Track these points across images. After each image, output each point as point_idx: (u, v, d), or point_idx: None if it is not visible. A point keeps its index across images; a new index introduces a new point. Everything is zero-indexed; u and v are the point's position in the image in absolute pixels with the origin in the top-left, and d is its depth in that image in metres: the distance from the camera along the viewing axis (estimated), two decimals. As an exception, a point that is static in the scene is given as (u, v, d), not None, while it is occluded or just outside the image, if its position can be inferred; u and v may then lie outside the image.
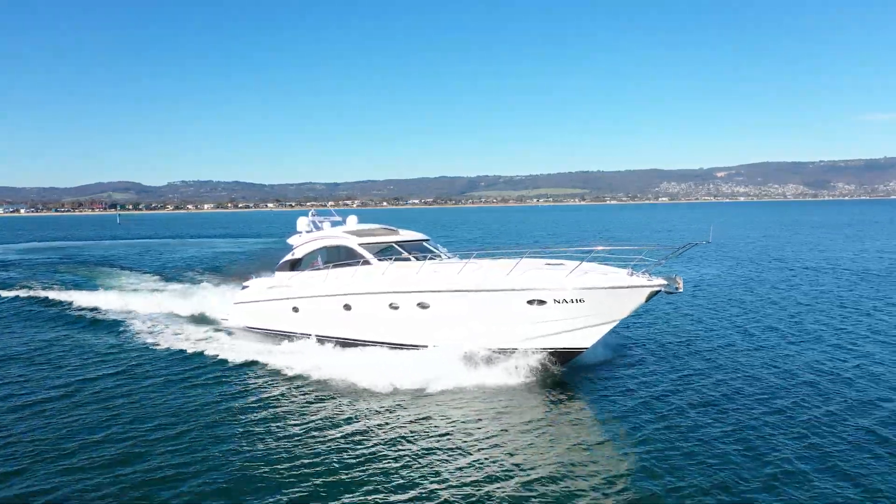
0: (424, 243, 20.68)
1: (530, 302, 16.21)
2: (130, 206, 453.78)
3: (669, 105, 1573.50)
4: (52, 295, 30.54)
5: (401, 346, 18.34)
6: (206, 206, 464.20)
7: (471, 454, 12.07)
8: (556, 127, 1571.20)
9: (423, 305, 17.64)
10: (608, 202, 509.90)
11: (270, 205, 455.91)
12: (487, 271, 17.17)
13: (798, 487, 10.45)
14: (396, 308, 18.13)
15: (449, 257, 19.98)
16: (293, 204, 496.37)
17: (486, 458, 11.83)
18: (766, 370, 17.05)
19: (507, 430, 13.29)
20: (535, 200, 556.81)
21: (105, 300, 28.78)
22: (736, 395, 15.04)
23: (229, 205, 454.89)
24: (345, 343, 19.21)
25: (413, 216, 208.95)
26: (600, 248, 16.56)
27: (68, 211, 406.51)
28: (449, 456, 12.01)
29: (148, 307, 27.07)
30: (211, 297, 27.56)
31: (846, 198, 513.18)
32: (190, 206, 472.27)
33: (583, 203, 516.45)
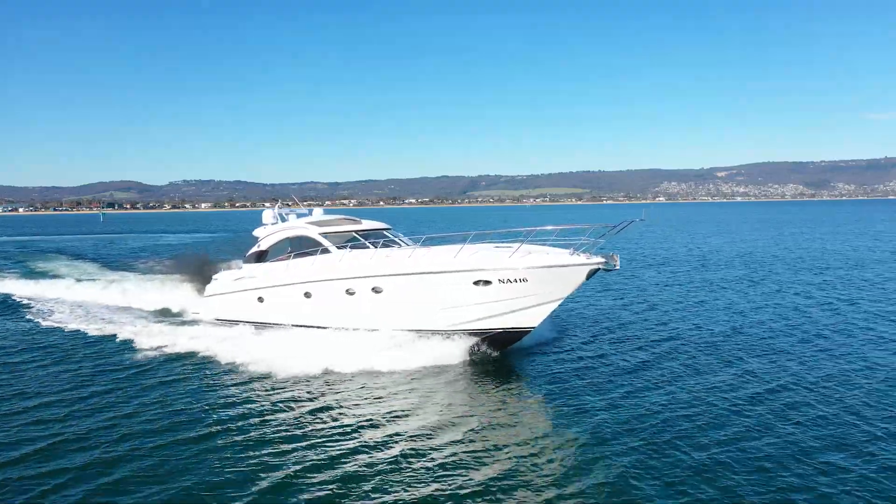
0: (385, 232, 21.10)
1: (476, 283, 16.68)
2: (128, 206, 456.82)
3: (671, 104, 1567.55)
4: None
5: (358, 330, 18.69)
6: (203, 206, 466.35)
7: (407, 435, 12.17)
8: (557, 127, 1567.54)
9: (376, 290, 18.17)
10: (605, 202, 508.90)
11: (267, 204, 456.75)
12: (436, 254, 17.73)
13: (747, 463, 10.81)
14: (353, 294, 18.69)
15: (408, 245, 20.14)
16: (290, 203, 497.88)
17: (422, 442, 11.85)
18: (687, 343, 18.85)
19: (448, 412, 13.48)
20: (531, 200, 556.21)
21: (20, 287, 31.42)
22: (655, 371, 16.15)
23: (227, 204, 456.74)
24: (314, 329, 19.56)
25: (407, 215, 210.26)
26: (548, 227, 16.98)
27: (66, 210, 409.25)
28: (390, 439, 12.06)
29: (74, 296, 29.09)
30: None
31: (844, 198, 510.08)
32: (187, 206, 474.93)
33: (579, 203, 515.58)
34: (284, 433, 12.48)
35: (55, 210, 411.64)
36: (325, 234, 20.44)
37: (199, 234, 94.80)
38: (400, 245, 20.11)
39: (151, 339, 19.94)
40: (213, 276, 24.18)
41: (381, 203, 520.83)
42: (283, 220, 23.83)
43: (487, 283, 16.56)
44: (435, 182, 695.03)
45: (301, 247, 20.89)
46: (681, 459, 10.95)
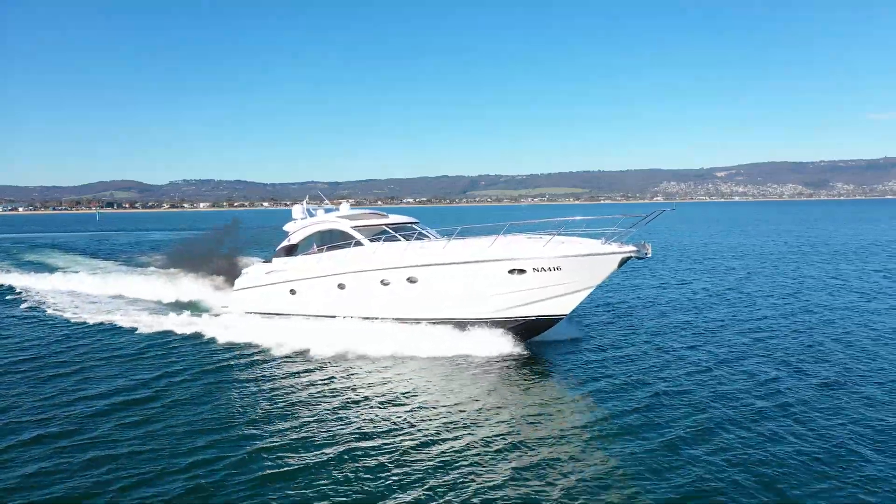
0: (414, 225, 21.66)
1: (511, 271, 17.22)
2: (127, 205, 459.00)
3: (671, 104, 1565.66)
4: None
5: (392, 320, 19.32)
6: (201, 205, 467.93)
7: (441, 424, 12.48)
8: (556, 126, 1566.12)
9: (411, 280, 18.66)
10: (602, 202, 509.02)
11: (266, 203, 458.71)
12: (471, 245, 18.21)
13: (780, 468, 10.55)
14: (387, 284, 19.17)
15: (437, 238, 20.69)
16: (288, 203, 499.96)
17: (450, 429, 12.13)
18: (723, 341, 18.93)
19: (480, 401, 13.79)
20: (528, 200, 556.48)
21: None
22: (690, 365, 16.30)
23: (225, 203, 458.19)
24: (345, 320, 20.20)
25: (405, 214, 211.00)
26: (577, 217, 17.51)
27: (65, 209, 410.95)
28: (429, 426, 12.40)
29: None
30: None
31: (842, 197, 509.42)
32: (185, 205, 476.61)
33: (576, 203, 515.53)
34: (309, 418, 12.93)
35: (54, 209, 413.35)
36: (357, 228, 20.76)
37: (186, 231, 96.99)
38: (430, 238, 20.60)
39: (184, 328, 21.00)
40: (243, 270, 24.63)
41: (379, 202, 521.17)
42: (311, 215, 24.41)
43: (522, 271, 17.06)
44: (435, 182, 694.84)
45: (333, 240, 21.23)
46: (714, 453, 10.92)
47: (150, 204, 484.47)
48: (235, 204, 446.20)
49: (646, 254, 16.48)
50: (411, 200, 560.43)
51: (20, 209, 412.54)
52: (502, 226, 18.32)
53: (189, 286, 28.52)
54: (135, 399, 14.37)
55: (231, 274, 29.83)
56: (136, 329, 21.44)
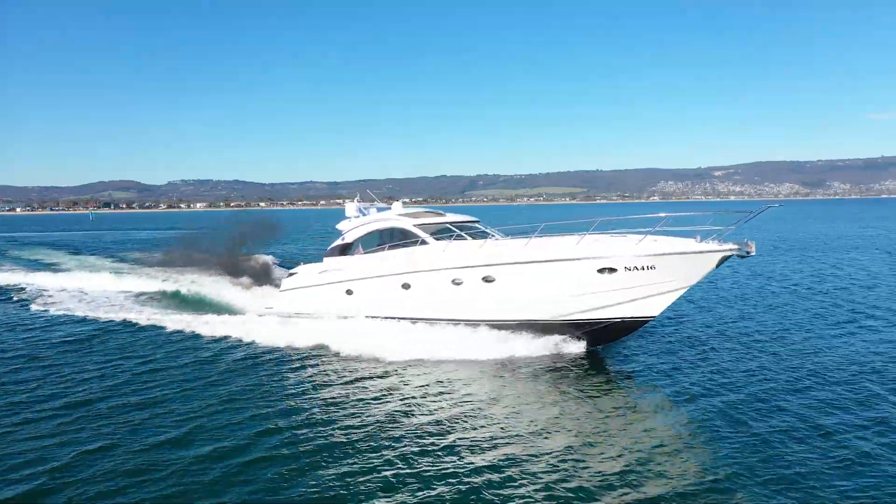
0: (475, 224, 21.05)
1: (601, 270, 16.37)
2: (124, 205, 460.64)
3: (670, 104, 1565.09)
4: None
5: (463, 322, 18.50)
6: (198, 206, 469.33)
7: (517, 430, 12.01)
8: (555, 126, 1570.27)
9: (487, 279, 17.84)
10: (599, 201, 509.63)
11: (262, 203, 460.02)
12: (556, 243, 17.40)
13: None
14: (459, 283, 18.29)
15: (501, 237, 19.90)
16: (284, 203, 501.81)
17: (528, 441, 11.60)
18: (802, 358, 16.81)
19: (554, 406, 13.33)
20: (525, 200, 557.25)
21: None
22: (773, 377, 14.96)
23: (222, 204, 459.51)
24: (409, 321, 19.42)
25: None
26: (663, 214, 16.29)
27: (62, 210, 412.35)
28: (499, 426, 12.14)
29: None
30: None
31: (838, 197, 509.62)
32: (182, 206, 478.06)
33: (573, 202, 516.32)
34: (367, 422, 12.64)
35: (52, 210, 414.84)
36: (419, 226, 19.96)
37: (173, 230, 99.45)
38: (494, 237, 19.90)
39: (237, 330, 20.39)
40: (290, 271, 23.84)
41: (375, 202, 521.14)
42: (363, 214, 23.66)
43: (613, 270, 16.29)
44: (434, 182, 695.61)
45: (393, 239, 20.48)
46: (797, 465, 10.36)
47: (147, 204, 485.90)
48: (232, 204, 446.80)
49: (748, 252, 15.32)
50: (407, 200, 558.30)
51: (18, 209, 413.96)
52: (587, 223, 17.67)
53: (217, 287, 27.91)
54: (224, 407, 13.76)
55: (258, 275, 30.38)
56: (199, 335, 20.51)
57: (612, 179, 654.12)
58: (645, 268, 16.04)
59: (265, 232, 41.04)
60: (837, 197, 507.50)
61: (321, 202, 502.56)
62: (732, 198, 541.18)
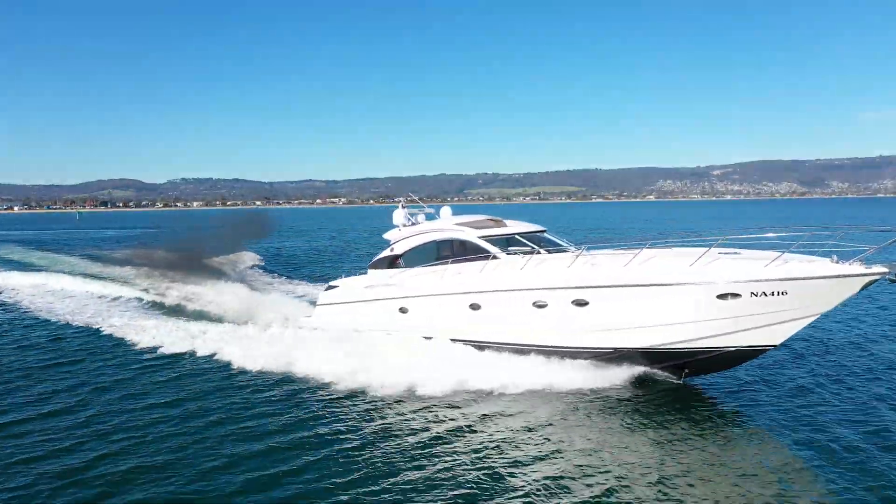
0: (545, 233, 19.08)
1: (722, 296, 14.45)
2: (121, 204, 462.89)
3: (668, 104, 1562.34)
4: None
5: (547, 349, 16.71)
6: (195, 204, 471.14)
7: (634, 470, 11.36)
8: (554, 125, 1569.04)
9: (579, 303, 15.92)
10: (594, 200, 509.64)
11: (258, 202, 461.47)
12: (664, 263, 15.38)
13: None
14: (543, 306, 16.40)
15: (574, 250, 17.82)
16: (280, 201, 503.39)
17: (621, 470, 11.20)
18: None
19: (653, 441, 12.66)
20: (522, 199, 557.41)
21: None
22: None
23: (218, 202, 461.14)
24: (475, 346, 17.65)
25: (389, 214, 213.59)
26: (784, 233, 14.86)
27: (60, 208, 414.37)
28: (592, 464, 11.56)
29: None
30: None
31: (836, 195, 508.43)
32: (179, 204, 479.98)
33: (569, 201, 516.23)
34: (425, 455, 12.10)
35: (49, 208, 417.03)
36: (485, 238, 18.04)
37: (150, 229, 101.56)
38: (564, 248, 18.22)
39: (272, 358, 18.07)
40: (330, 284, 21.77)
41: (372, 202, 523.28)
42: (410, 221, 21.57)
43: (736, 296, 14.32)
44: (433, 180, 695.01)
45: (451, 252, 18.54)
46: None
47: (144, 203, 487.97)
48: (229, 203, 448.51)
49: None
50: (404, 200, 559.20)
51: (16, 208, 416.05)
52: (713, 240, 15.23)
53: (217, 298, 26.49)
54: (286, 437, 13.22)
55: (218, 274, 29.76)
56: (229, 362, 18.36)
57: (610, 178, 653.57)
58: (775, 293, 14.13)
59: (254, 230, 41.04)
60: (835, 196, 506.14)
61: (317, 201, 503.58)
62: (730, 197, 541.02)
